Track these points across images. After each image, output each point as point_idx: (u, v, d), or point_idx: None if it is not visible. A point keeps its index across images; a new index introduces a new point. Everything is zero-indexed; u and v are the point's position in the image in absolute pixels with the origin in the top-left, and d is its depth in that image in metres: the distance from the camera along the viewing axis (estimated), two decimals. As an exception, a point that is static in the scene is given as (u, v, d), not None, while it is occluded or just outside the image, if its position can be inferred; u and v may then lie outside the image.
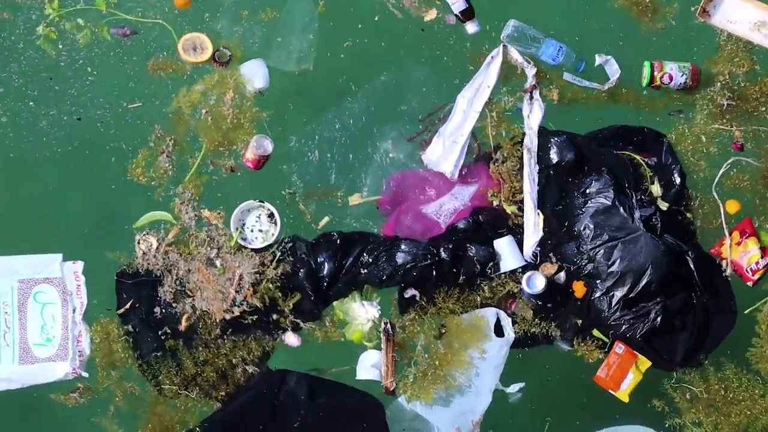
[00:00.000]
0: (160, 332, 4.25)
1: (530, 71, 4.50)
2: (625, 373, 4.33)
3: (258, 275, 4.26)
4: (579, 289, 4.36)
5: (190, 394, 4.25)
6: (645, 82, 4.54)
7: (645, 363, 4.35)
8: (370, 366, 4.30)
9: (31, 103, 4.43)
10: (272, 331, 4.32)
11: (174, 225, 4.32)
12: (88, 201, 4.44)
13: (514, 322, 4.34)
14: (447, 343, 4.29)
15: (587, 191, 4.39)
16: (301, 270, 4.33)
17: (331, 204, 4.46)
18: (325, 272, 4.33)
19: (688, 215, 4.48)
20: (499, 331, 4.32)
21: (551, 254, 4.38)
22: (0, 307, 4.22)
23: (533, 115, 4.48)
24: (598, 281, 4.33)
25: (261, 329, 4.31)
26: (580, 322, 4.37)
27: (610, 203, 4.33)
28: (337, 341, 4.35)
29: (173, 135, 4.39)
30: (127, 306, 4.26)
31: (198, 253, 4.29)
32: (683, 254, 4.37)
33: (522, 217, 4.43)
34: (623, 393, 4.34)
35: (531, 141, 4.45)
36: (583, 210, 4.37)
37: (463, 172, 4.51)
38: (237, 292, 4.23)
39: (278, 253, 4.31)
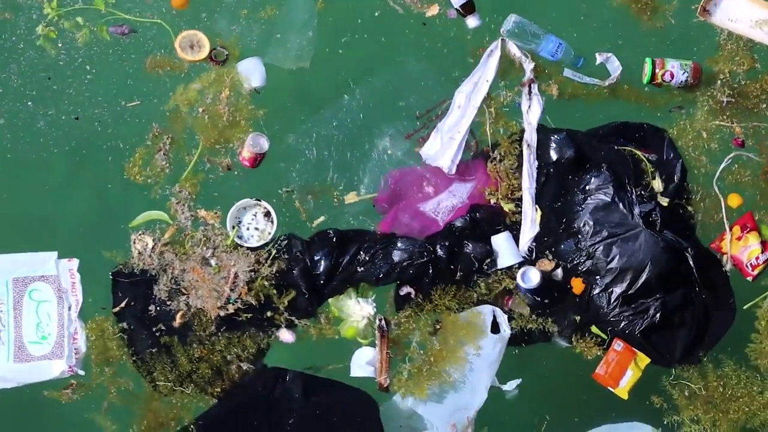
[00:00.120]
0: (154, 329, 4.19)
1: (528, 65, 4.42)
2: (624, 370, 4.26)
3: (253, 273, 4.20)
4: (577, 285, 4.28)
5: (186, 391, 4.19)
6: (646, 79, 4.46)
7: (644, 360, 4.27)
8: (364, 363, 4.22)
9: (29, 104, 4.36)
10: (267, 328, 4.26)
11: (170, 225, 4.26)
12: (85, 200, 4.37)
13: (510, 319, 4.27)
14: (442, 339, 4.22)
15: (587, 188, 4.32)
16: (296, 268, 4.26)
17: (327, 202, 4.40)
18: (321, 270, 4.26)
19: (690, 209, 4.42)
20: (495, 328, 4.25)
21: (548, 251, 4.32)
22: (-6, 305, 4.22)
23: (532, 110, 4.41)
24: (597, 278, 4.25)
25: (255, 326, 4.24)
26: (578, 318, 4.31)
27: (609, 200, 4.27)
28: (332, 338, 4.29)
29: (170, 133, 4.33)
30: (122, 305, 4.20)
31: (193, 252, 4.23)
32: (683, 250, 4.30)
33: (519, 214, 4.37)
34: (622, 390, 4.26)
35: (530, 136, 4.39)
36: (583, 206, 4.30)
37: (461, 169, 4.45)
38: (232, 290, 4.16)
39: (273, 251, 4.25)
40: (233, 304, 4.17)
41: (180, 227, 4.26)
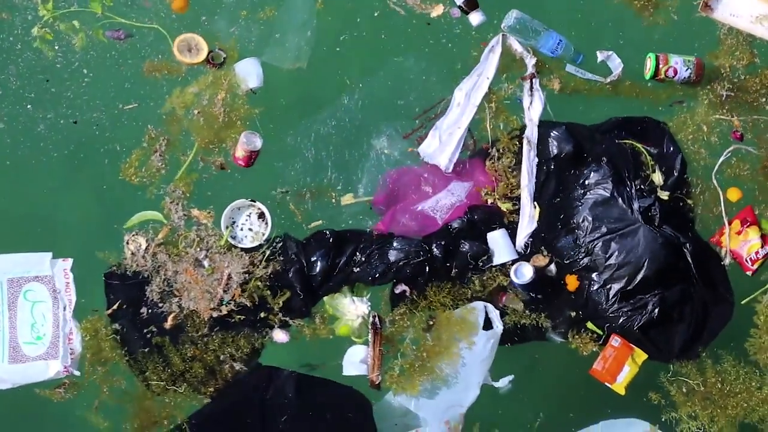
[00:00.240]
0: (146, 331, 4.13)
1: (530, 60, 4.35)
2: (621, 366, 4.19)
3: (247, 275, 4.13)
4: (572, 282, 4.22)
5: (178, 390, 4.13)
6: (649, 74, 4.39)
7: (641, 356, 4.21)
8: (357, 361, 4.15)
9: (29, 107, 4.30)
10: (260, 329, 4.19)
11: (164, 225, 4.19)
12: (80, 201, 4.30)
13: (504, 314, 4.21)
14: (436, 336, 4.17)
15: (586, 182, 4.26)
16: (292, 269, 4.20)
17: (324, 203, 4.33)
18: (317, 271, 4.20)
19: (689, 202, 4.36)
20: (488, 325, 4.19)
21: (544, 247, 4.27)
22: (-12, 305, 4.13)
23: (534, 106, 4.34)
24: (595, 274, 4.20)
25: (249, 327, 4.18)
26: (574, 314, 4.25)
27: (608, 194, 4.21)
28: (326, 338, 4.23)
29: (166, 135, 4.27)
30: (115, 307, 4.13)
31: (186, 253, 4.16)
32: (681, 246, 4.25)
33: (517, 214, 4.31)
34: (619, 386, 4.20)
35: (531, 133, 4.33)
36: (582, 201, 4.24)
37: (459, 168, 4.38)
38: (225, 291, 4.10)
39: (267, 252, 4.19)
40: (226, 306, 4.10)
41: (173, 227, 4.20)
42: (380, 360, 4.16)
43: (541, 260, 4.24)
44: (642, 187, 4.28)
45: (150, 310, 4.14)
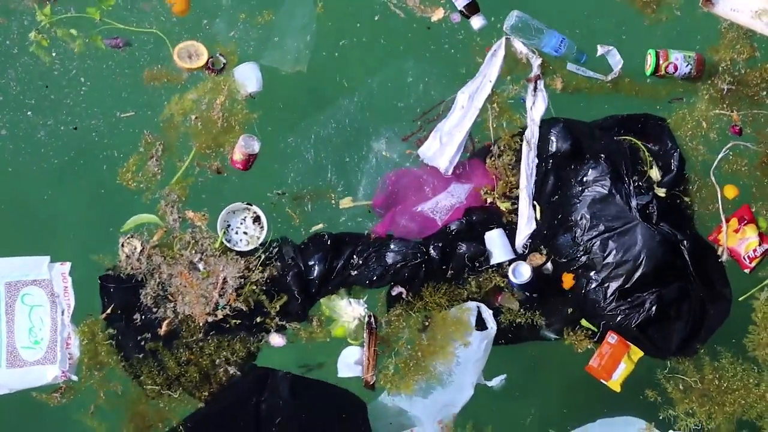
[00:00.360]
0: (139, 338, 4.07)
1: (535, 61, 4.30)
2: (617, 363, 4.13)
3: (242, 279, 4.07)
4: (567, 280, 4.16)
5: (173, 394, 4.06)
6: (649, 70, 4.33)
7: (637, 353, 4.14)
8: (352, 362, 4.09)
9: (29, 113, 4.25)
10: (256, 333, 4.13)
11: (159, 227, 4.13)
12: (79, 206, 4.25)
13: (499, 313, 4.15)
14: (431, 335, 4.11)
15: (584, 179, 4.19)
16: (290, 273, 4.14)
17: (322, 206, 4.27)
18: (315, 275, 4.14)
19: (686, 200, 4.29)
20: (481, 325, 4.14)
21: (542, 246, 4.21)
22: (-13, 309, 4.05)
23: (536, 107, 4.29)
24: (593, 272, 4.14)
25: (245, 331, 4.11)
26: (570, 310, 4.20)
27: (606, 192, 4.14)
28: (323, 341, 4.17)
29: (163, 140, 4.21)
30: (109, 311, 4.07)
31: (181, 256, 4.10)
32: (679, 244, 4.17)
33: (515, 213, 4.24)
34: (615, 383, 4.13)
35: (532, 134, 4.27)
36: (580, 199, 4.18)
37: (458, 170, 4.32)
38: (220, 296, 4.03)
39: (262, 256, 4.12)
40: (222, 310, 4.04)
41: (168, 230, 4.14)
42: (375, 360, 4.10)
43: (537, 258, 4.18)
44: (640, 183, 4.22)
45: (144, 316, 4.08)
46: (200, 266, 4.08)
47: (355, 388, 4.09)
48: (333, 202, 4.27)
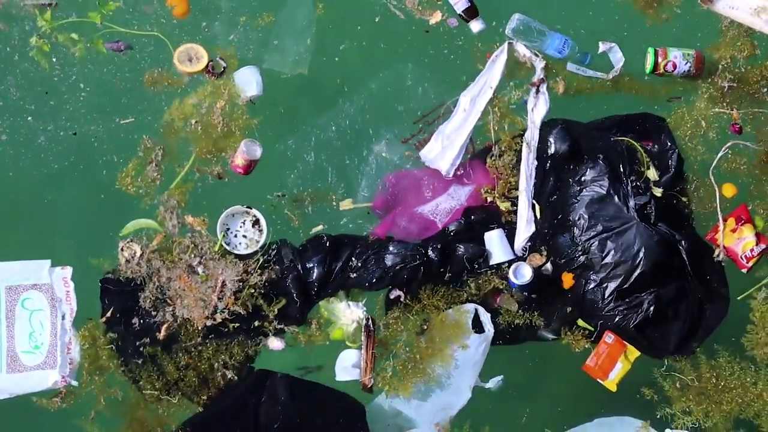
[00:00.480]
0: (138, 343, 4.01)
1: (539, 64, 4.24)
2: (614, 363, 4.07)
3: (241, 282, 4.00)
4: (567, 280, 4.09)
5: (172, 399, 4.00)
6: (648, 69, 4.27)
7: (634, 353, 4.08)
8: (349, 366, 4.03)
9: (29, 118, 4.18)
10: (255, 336, 4.06)
11: (158, 232, 4.07)
12: (79, 211, 4.19)
13: (498, 315, 4.09)
14: (429, 338, 4.04)
15: (582, 179, 4.13)
16: (289, 275, 4.07)
17: (322, 208, 4.21)
18: (314, 277, 4.08)
19: (684, 199, 4.24)
20: (478, 327, 4.08)
21: (542, 247, 4.15)
22: (-13, 314, 3.97)
23: (537, 109, 4.22)
24: (591, 273, 4.08)
25: (243, 334, 4.05)
26: (569, 309, 4.14)
27: (604, 192, 4.08)
28: (321, 345, 4.10)
29: (162, 145, 4.15)
30: (108, 314, 4.01)
31: (180, 260, 4.02)
32: (676, 243, 4.11)
33: (515, 213, 4.18)
34: (611, 382, 4.07)
35: (532, 136, 4.20)
36: (578, 198, 4.11)
37: (459, 172, 4.25)
38: (219, 299, 3.97)
39: (261, 259, 4.06)
40: (220, 314, 3.97)
41: (168, 235, 4.07)
42: (373, 363, 4.03)
43: (538, 259, 4.12)
44: (638, 184, 4.15)
45: (143, 320, 4.01)
46: (199, 270, 4.01)
47: (353, 392, 4.03)
48: (334, 203, 4.22)
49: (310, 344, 4.09)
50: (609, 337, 4.09)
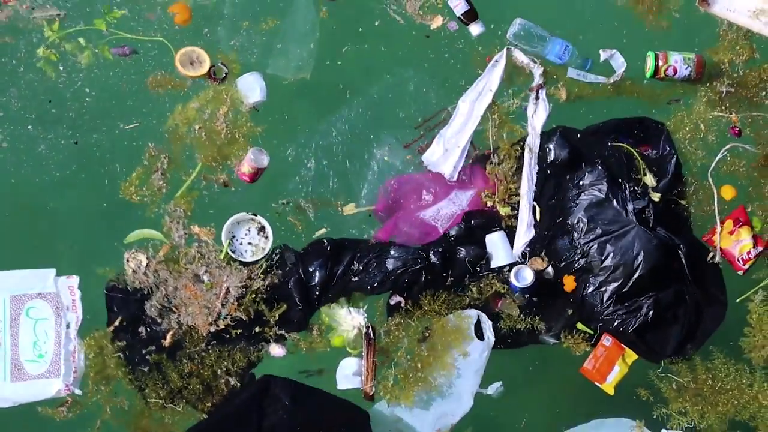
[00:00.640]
0: (144, 351, 3.94)
1: (537, 70, 4.16)
2: (612, 366, 4.01)
3: (245, 289, 3.92)
4: (569, 283, 4.02)
5: (176, 408, 3.93)
6: (649, 73, 4.19)
7: (632, 356, 4.02)
8: (350, 374, 3.96)
9: (29, 127, 4.09)
10: (256, 343, 3.99)
11: (164, 243, 3.98)
12: (82, 220, 4.10)
13: (499, 319, 4.02)
14: (430, 345, 3.97)
15: (581, 183, 4.06)
16: (291, 280, 3.99)
17: (327, 214, 4.13)
18: (316, 281, 4.00)
19: (683, 202, 4.17)
20: (480, 334, 4.01)
21: (543, 250, 4.09)
22: (-9, 323, 3.89)
23: (537, 115, 4.15)
24: (591, 276, 4.01)
25: (245, 341, 3.98)
26: (570, 314, 4.07)
27: (603, 196, 4.01)
28: (322, 351, 4.03)
29: (167, 153, 4.07)
30: (116, 323, 3.93)
31: (187, 270, 3.94)
32: (675, 247, 4.04)
33: (515, 219, 4.12)
34: (609, 386, 4.01)
35: (533, 141, 4.13)
36: (577, 202, 4.04)
37: (462, 177, 4.19)
38: (223, 306, 3.89)
39: (264, 265, 3.98)
40: (223, 321, 3.90)
41: (174, 245, 3.99)
42: (374, 371, 3.96)
43: (539, 263, 4.06)
44: (636, 189, 4.09)
45: (148, 328, 3.94)
46: (205, 278, 3.93)
47: (354, 400, 3.97)
48: (339, 209, 4.15)
49: (311, 351, 4.02)
50: (607, 340, 4.03)
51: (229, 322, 3.92)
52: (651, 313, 4.00)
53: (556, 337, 4.07)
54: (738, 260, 4.15)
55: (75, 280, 3.96)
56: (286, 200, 4.10)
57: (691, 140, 4.20)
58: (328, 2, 4.25)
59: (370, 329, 3.98)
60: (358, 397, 3.98)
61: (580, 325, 4.06)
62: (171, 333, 3.92)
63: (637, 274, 3.97)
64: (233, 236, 4.04)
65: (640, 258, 3.96)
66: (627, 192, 4.06)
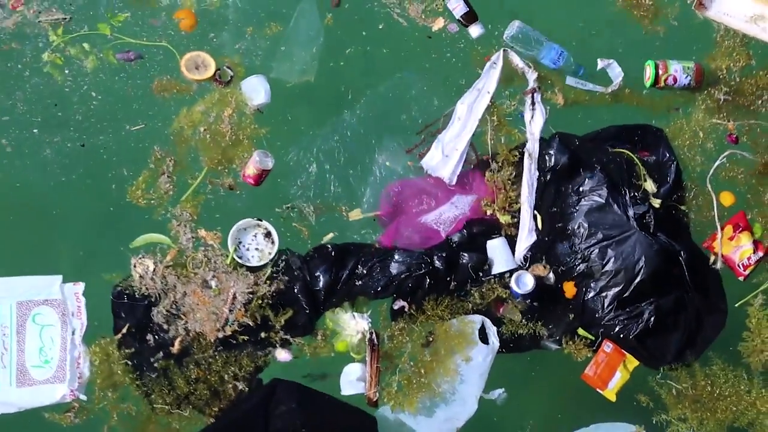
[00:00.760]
0: (152, 359, 3.87)
1: (531, 75, 4.13)
2: (613, 372, 3.97)
3: (251, 294, 3.86)
4: (569, 289, 3.99)
5: (183, 413, 3.87)
6: (649, 83, 4.18)
7: (633, 362, 3.99)
8: (354, 379, 3.91)
9: (35, 131, 4.04)
10: (263, 348, 3.94)
11: (171, 247, 3.92)
12: (88, 225, 4.04)
13: (501, 324, 3.98)
14: (434, 350, 3.92)
15: (581, 189, 4.02)
16: (296, 284, 3.94)
17: (331, 218, 4.08)
18: (320, 286, 3.95)
19: (683, 208, 4.14)
20: (484, 338, 3.96)
21: (543, 256, 4.04)
22: (-2, 329, 3.85)
23: (535, 121, 4.11)
24: (591, 281, 3.97)
25: (251, 346, 3.92)
26: (572, 319, 4.03)
27: (603, 201, 3.97)
28: (327, 356, 3.98)
29: (173, 155, 4.02)
30: (124, 330, 3.86)
31: (195, 274, 3.89)
32: (676, 253, 4.00)
33: (515, 227, 4.08)
34: (610, 392, 3.97)
35: (532, 147, 4.09)
36: (577, 208, 4.00)
37: (464, 181, 4.14)
38: (230, 311, 3.84)
39: (269, 270, 3.92)
40: (231, 326, 3.85)
41: (181, 250, 3.94)
42: (377, 377, 3.92)
43: (540, 270, 4.02)
44: (636, 194, 4.05)
45: (156, 336, 3.88)
46: (212, 283, 3.88)
47: (358, 405, 3.94)
48: (343, 213, 4.10)
49: (315, 356, 3.97)
50: (607, 346, 3.99)
51: (236, 328, 3.87)
52: (652, 319, 3.96)
53: (557, 342, 4.04)
54: (738, 266, 4.13)
55: (80, 286, 3.91)
56: (290, 205, 4.06)
57: (690, 147, 4.18)
58: (332, 9, 4.25)
59: (374, 334, 3.94)
60: (362, 403, 3.94)
61: (581, 331, 4.03)
62: (179, 340, 3.87)
63: (638, 279, 3.93)
64: (240, 242, 3.97)
65: (641, 263, 3.92)
66: (627, 197, 4.03)
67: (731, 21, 4.27)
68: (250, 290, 3.87)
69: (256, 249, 4.00)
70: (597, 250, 3.96)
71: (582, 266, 3.98)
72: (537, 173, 4.09)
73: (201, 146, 4.03)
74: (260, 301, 3.89)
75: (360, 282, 3.99)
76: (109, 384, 3.88)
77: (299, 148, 4.10)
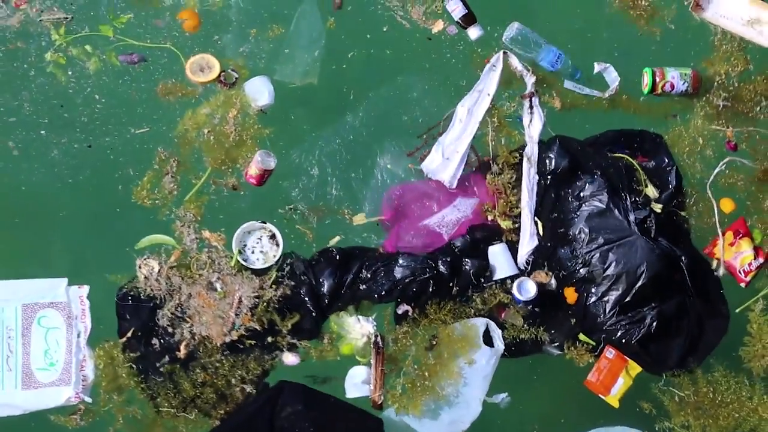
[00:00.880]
0: (158, 364, 3.82)
1: (529, 79, 4.10)
2: (615, 378, 3.93)
3: (257, 298, 3.82)
4: (570, 295, 3.95)
5: (189, 416, 3.82)
6: (647, 90, 4.16)
7: (635, 368, 3.95)
8: (359, 382, 3.87)
9: (42, 132, 4.00)
10: (270, 352, 3.88)
11: (175, 248, 3.88)
12: (95, 227, 4.00)
13: (503, 329, 3.95)
14: (437, 353, 3.89)
15: (581, 194, 3.99)
16: (302, 288, 3.90)
17: (335, 222, 4.04)
18: (325, 290, 3.91)
19: (683, 214, 4.11)
20: (488, 340, 3.93)
21: (545, 262, 4.01)
22: (3, 331, 3.79)
23: (533, 125, 4.09)
24: (593, 286, 3.93)
25: (258, 350, 3.87)
26: (573, 321, 3.99)
27: (604, 206, 3.94)
28: (333, 360, 3.93)
29: (176, 156, 3.98)
30: (129, 334, 3.81)
31: (200, 276, 3.84)
32: (677, 258, 3.98)
33: (517, 232, 4.04)
34: (613, 398, 3.94)
35: (531, 150, 4.07)
36: (578, 213, 3.97)
37: (466, 184, 4.11)
38: (237, 315, 3.79)
39: (274, 274, 3.88)
40: (237, 331, 3.80)
41: (185, 250, 3.90)
42: (382, 380, 3.88)
43: (542, 277, 3.98)
44: (637, 199, 4.04)
45: (162, 340, 3.83)
46: (218, 286, 3.83)
47: (362, 407, 3.90)
48: (346, 216, 4.05)
49: (321, 359, 3.93)
50: (610, 352, 3.96)
51: (243, 333, 3.82)
52: (655, 324, 3.93)
53: (559, 348, 4.01)
54: (739, 272, 4.10)
55: (85, 289, 3.87)
56: (292, 206, 4.02)
57: (689, 154, 4.16)
58: (334, 13, 4.23)
59: (379, 338, 3.91)
60: (367, 406, 3.90)
61: (582, 336, 4.00)
62: (185, 344, 3.82)
63: (639, 283, 3.90)
64: (244, 245, 3.93)
65: (643, 267, 3.89)
66: (628, 202, 4.01)
67: (728, 24, 4.26)
68: (256, 294, 3.83)
69: (261, 252, 3.95)
70: (598, 255, 3.93)
71: (583, 271, 3.95)
72: (537, 177, 4.07)
73: (205, 147, 4.00)
74: (266, 305, 3.85)
75: (364, 286, 3.96)
76: (114, 387, 3.84)
77: (301, 151, 4.08)
